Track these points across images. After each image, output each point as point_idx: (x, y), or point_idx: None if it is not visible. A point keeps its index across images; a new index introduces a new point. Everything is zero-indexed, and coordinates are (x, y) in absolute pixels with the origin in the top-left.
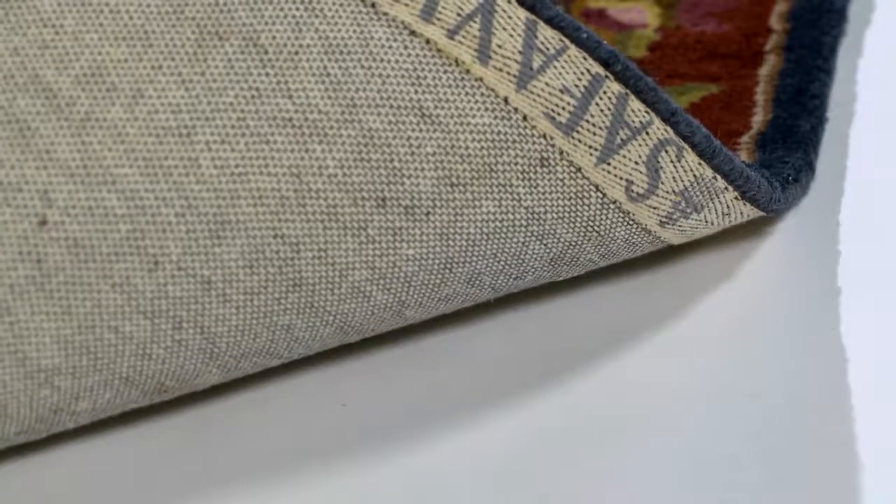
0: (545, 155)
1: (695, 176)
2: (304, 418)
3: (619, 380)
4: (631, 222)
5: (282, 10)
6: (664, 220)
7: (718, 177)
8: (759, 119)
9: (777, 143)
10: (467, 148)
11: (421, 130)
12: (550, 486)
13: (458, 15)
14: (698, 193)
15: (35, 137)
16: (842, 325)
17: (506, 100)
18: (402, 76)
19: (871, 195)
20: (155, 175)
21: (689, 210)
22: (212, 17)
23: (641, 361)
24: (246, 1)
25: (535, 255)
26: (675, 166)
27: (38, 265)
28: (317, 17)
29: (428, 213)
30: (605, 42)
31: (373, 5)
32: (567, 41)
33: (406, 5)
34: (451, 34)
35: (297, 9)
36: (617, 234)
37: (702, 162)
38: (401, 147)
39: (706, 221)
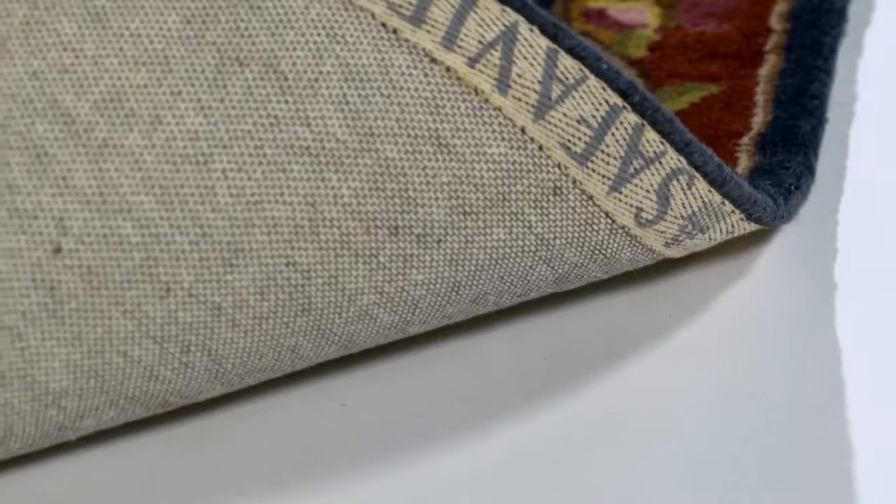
0: (558, 184)
1: (704, 202)
2: (305, 425)
3: (621, 385)
4: (638, 245)
5: (303, 35)
6: (670, 241)
7: (727, 202)
8: (759, 120)
9: (777, 145)
10: (482, 177)
11: (437, 160)
12: (550, 486)
13: (480, 43)
14: (705, 217)
15: (52, 164)
16: (842, 326)
17: (523, 130)
18: (421, 105)
19: (871, 195)
20: (171, 203)
21: (694, 232)
22: (232, 42)
23: (643, 366)
24: (267, 26)
25: (540, 276)
26: (685, 193)
27: (51, 292)
28: (338, 43)
29: (439, 241)
30: (625, 73)
31: (394, 31)
32: (587, 71)
33: (428, 32)
34: (472, 62)
35: (319, 34)
36: (623, 255)
37: (712, 189)
38: (416, 176)
39: (710, 239)
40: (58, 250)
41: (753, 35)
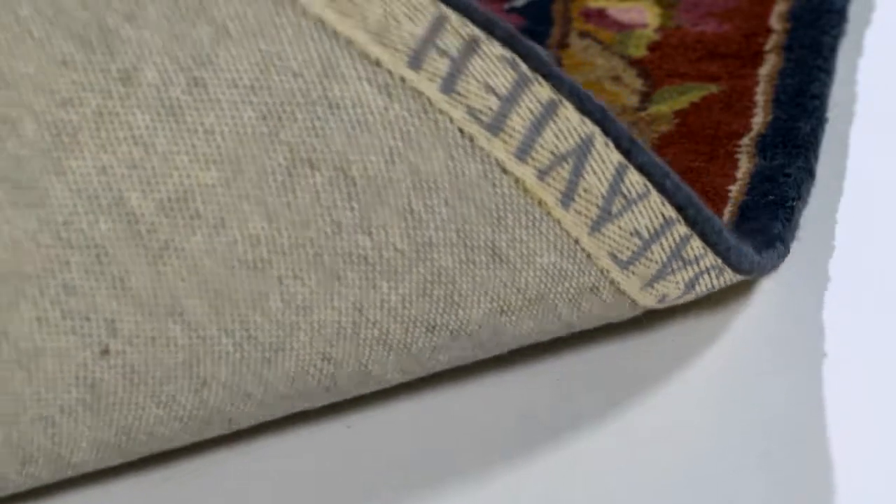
0: (597, 284)
1: (724, 282)
2: (311, 447)
3: (612, 431)
4: (648, 312)
5: (378, 139)
6: (679, 306)
7: (743, 277)
8: (759, 120)
9: (777, 147)
10: (527, 283)
11: (488, 268)
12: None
13: (553, 154)
14: (720, 289)
15: (111, 265)
16: (842, 328)
17: (576, 241)
18: (484, 216)
19: (871, 195)
20: (222, 307)
21: (703, 295)
22: (306, 143)
23: (643, 409)
24: (343, 127)
25: (549, 336)
26: (711, 282)
27: (92, 389)
28: (412, 148)
29: (471, 334)
30: (685, 185)
31: (470, 139)
32: (650, 186)
33: (504, 142)
34: (542, 175)
35: (394, 138)
36: (629, 317)
37: (736, 276)
38: (465, 284)
39: None
40: (105, 352)
41: (753, 35)
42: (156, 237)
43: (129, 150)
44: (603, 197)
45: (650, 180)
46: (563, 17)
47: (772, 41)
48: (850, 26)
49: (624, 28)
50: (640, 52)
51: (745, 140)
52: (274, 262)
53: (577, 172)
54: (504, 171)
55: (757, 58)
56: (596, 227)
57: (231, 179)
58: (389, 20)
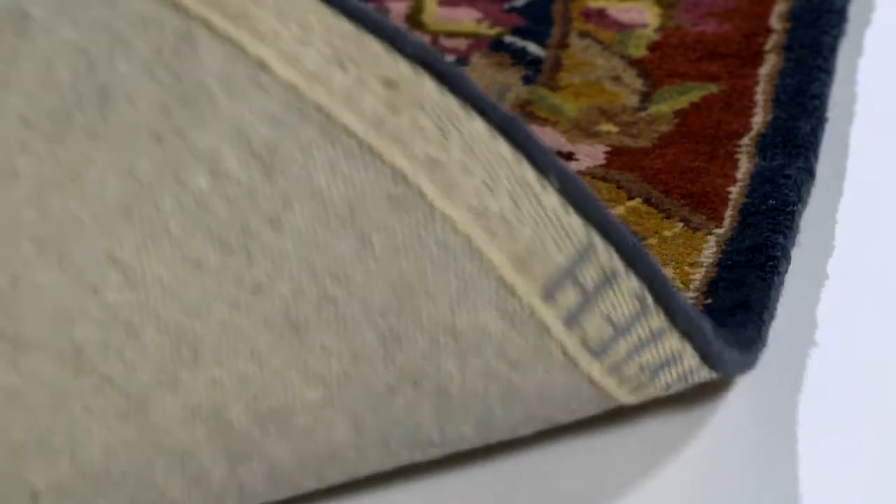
0: (603, 405)
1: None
2: None
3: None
4: None
5: (486, 363)
6: None
7: None
8: (758, 120)
9: (777, 147)
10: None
11: (524, 418)
12: None
13: (641, 369)
14: None
15: (192, 465)
16: (841, 325)
17: (610, 396)
18: (556, 404)
19: (871, 195)
20: (280, 485)
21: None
22: (417, 367)
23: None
24: (457, 352)
25: None
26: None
27: None
28: (515, 370)
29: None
30: (734, 356)
31: (573, 361)
32: (706, 365)
33: (602, 364)
34: (623, 383)
35: (502, 363)
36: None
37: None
38: (501, 430)
39: None
40: None
41: (753, 35)
42: (244, 444)
43: (244, 365)
44: (667, 386)
45: (707, 362)
46: (563, 17)
47: (772, 41)
48: (850, 26)
49: (624, 28)
50: (640, 52)
51: (745, 140)
52: (345, 451)
53: (656, 374)
54: (591, 382)
55: (757, 58)
56: (639, 391)
57: (335, 397)
58: (536, 244)
